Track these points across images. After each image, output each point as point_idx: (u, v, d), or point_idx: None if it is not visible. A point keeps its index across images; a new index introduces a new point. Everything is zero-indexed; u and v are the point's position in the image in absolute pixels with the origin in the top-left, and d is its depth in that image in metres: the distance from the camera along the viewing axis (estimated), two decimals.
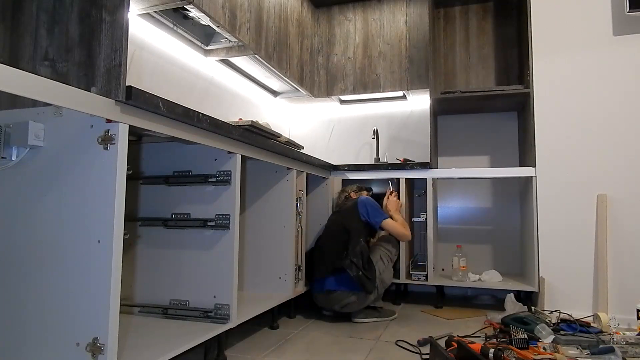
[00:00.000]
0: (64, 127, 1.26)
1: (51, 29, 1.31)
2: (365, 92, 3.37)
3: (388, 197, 2.62)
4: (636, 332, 1.98)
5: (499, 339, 1.91)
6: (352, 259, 2.24)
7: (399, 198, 2.68)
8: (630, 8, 2.36)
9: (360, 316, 2.35)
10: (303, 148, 2.78)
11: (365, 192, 2.70)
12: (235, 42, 2.43)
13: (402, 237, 2.46)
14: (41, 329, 1.23)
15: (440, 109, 3.19)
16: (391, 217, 2.46)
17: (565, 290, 2.43)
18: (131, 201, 1.93)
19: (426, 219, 2.74)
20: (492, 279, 2.72)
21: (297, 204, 2.38)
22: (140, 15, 2.05)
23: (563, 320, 2.09)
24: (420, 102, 3.43)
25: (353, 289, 2.27)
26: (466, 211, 3.21)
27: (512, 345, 1.76)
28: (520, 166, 3.03)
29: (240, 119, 2.26)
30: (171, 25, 2.22)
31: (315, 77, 3.49)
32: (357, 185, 2.75)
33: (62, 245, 1.22)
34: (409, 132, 3.48)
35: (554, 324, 2.05)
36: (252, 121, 2.07)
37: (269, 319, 2.20)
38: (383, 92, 3.34)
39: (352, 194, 2.67)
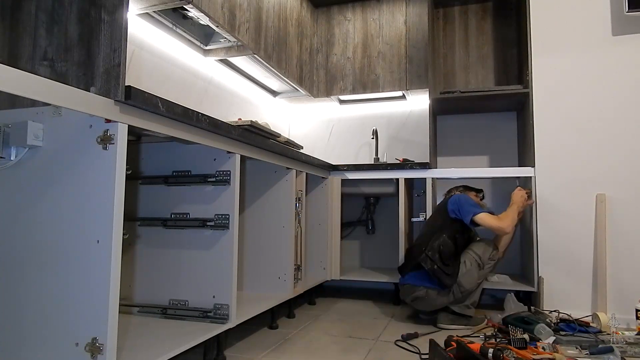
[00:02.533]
0: (63, 127, 1.26)
1: (50, 28, 1.31)
2: (364, 92, 3.37)
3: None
4: (635, 332, 1.98)
5: (498, 339, 1.91)
6: (427, 253, 2.20)
7: (530, 198, 2.53)
8: (629, 8, 2.36)
9: (445, 322, 2.25)
10: (302, 148, 2.78)
11: (474, 193, 2.57)
12: (234, 42, 2.43)
13: (497, 230, 2.26)
14: (40, 329, 1.22)
15: (440, 109, 3.19)
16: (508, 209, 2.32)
17: (565, 290, 2.43)
18: (130, 201, 1.93)
19: (425, 218, 2.74)
20: (491, 279, 2.72)
21: (296, 204, 2.38)
22: (140, 15, 2.05)
23: (562, 320, 2.09)
24: (419, 102, 3.43)
25: (425, 283, 2.23)
26: None
27: (511, 345, 1.76)
28: (519, 166, 3.03)
29: (240, 119, 2.26)
30: (170, 25, 2.22)
31: (314, 77, 3.49)
32: (463, 186, 2.63)
33: (61, 245, 1.22)
34: (408, 132, 3.48)
35: (553, 323, 2.05)
36: (251, 121, 2.07)
37: (269, 319, 2.20)
38: (382, 92, 3.34)
39: (455, 193, 2.53)
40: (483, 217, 2.26)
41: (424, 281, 2.25)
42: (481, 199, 2.62)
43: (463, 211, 2.29)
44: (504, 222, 2.26)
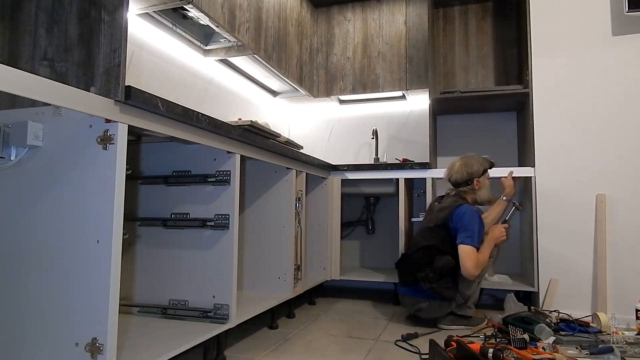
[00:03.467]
0: (63, 127, 1.26)
1: (50, 28, 1.31)
2: (364, 92, 3.37)
3: (509, 179, 2.50)
4: (635, 332, 1.98)
5: (498, 339, 1.91)
6: (428, 274, 2.15)
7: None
8: (629, 8, 2.36)
9: (445, 322, 2.24)
10: (302, 148, 2.78)
11: (487, 174, 2.43)
12: (234, 42, 2.43)
13: (463, 270, 2.14)
14: (40, 329, 1.22)
15: (440, 109, 3.19)
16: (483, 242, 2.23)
17: (564, 290, 2.43)
18: (130, 201, 1.93)
19: None
20: (491, 279, 2.72)
21: (296, 204, 2.38)
22: (140, 15, 2.05)
23: (562, 320, 2.09)
24: (419, 102, 3.43)
25: (427, 297, 2.20)
26: None
27: (511, 345, 1.76)
28: (519, 166, 3.03)
29: (240, 119, 2.27)
30: (170, 25, 2.22)
31: (314, 77, 3.49)
32: (485, 159, 2.41)
33: (61, 246, 1.22)
34: (408, 132, 3.48)
35: (553, 323, 2.05)
36: (251, 121, 2.07)
37: (269, 319, 2.20)
38: (382, 92, 3.34)
39: (474, 177, 2.36)
40: (464, 251, 2.13)
41: (424, 295, 2.22)
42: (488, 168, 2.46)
43: (460, 233, 2.18)
44: (476, 269, 2.13)
